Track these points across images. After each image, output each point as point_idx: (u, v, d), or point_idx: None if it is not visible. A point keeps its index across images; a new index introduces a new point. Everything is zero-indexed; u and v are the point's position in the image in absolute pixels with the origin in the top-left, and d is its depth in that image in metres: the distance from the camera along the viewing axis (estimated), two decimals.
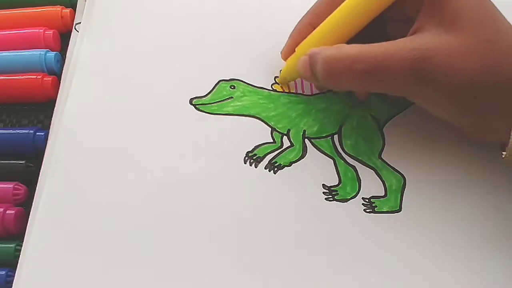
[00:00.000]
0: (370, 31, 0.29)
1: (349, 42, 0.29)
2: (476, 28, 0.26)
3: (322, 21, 0.30)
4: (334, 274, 0.28)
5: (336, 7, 0.30)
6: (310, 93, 0.33)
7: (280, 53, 0.33)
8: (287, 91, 0.33)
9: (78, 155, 0.31)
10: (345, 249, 0.28)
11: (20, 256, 0.29)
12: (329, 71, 0.28)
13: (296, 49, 0.32)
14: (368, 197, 0.30)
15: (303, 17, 0.32)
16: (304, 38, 0.31)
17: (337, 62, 0.28)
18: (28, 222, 0.30)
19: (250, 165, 0.31)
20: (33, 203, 0.31)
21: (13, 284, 0.28)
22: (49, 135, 0.33)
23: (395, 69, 0.26)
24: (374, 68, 0.27)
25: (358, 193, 0.30)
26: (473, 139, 0.30)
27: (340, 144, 0.31)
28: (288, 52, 0.32)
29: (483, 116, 0.27)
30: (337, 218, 0.29)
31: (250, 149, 0.31)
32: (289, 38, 0.33)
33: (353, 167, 0.31)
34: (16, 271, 0.29)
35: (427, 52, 0.26)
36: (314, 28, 0.31)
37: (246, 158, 0.31)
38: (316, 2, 0.32)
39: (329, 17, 0.30)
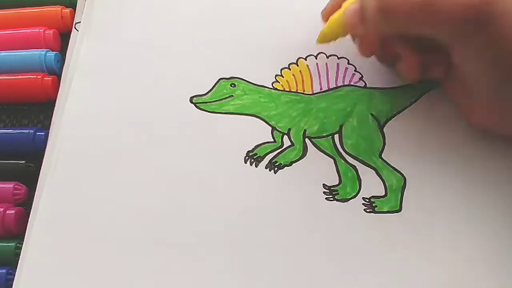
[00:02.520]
0: None
1: None
2: None
3: None
4: (334, 274, 0.28)
5: None
6: (311, 92, 0.33)
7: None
8: (293, 87, 0.33)
9: (79, 155, 0.32)
10: (345, 249, 0.28)
11: (21, 255, 0.29)
12: (383, 4, 0.27)
13: (343, 5, 0.30)
14: (368, 197, 0.30)
15: None
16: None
17: None
18: (28, 222, 0.30)
19: (251, 164, 0.31)
20: (33, 203, 0.31)
21: (14, 284, 0.28)
22: (49, 135, 0.33)
23: (455, 5, 0.25)
24: (432, 2, 0.25)
25: (358, 193, 0.30)
26: (483, 124, 0.29)
27: (340, 144, 0.31)
28: (331, 10, 0.31)
29: None
30: (337, 218, 0.29)
31: (250, 149, 0.31)
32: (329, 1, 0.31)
33: (354, 166, 0.31)
34: (16, 271, 0.29)
35: None
36: None
37: (247, 157, 0.31)
38: None
39: None
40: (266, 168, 0.31)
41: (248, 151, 0.31)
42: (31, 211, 0.30)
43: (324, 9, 0.32)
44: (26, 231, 0.30)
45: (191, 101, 0.33)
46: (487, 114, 0.28)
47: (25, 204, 0.32)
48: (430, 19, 0.26)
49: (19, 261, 0.29)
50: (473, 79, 0.27)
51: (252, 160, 0.31)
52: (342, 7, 0.30)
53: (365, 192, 0.30)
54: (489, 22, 0.24)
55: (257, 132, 0.32)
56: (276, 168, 0.31)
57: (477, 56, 0.26)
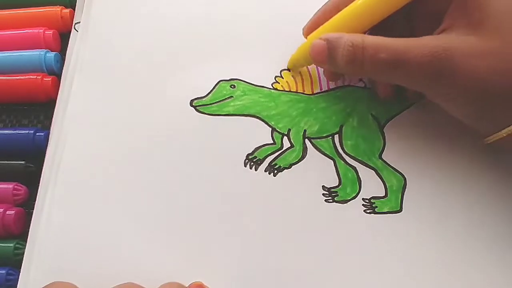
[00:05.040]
0: (397, 28, 0.29)
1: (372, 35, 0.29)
2: (503, 32, 0.26)
3: (347, 5, 0.30)
4: (334, 275, 0.28)
5: None
6: (311, 93, 0.33)
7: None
8: (292, 88, 0.33)
9: (80, 157, 0.31)
10: (346, 250, 0.28)
11: (25, 257, 0.29)
12: (352, 57, 0.28)
13: (308, 37, 0.32)
14: (368, 198, 0.30)
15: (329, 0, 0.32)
16: (327, 20, 0.31)
17: (362, 49, 0.28)
18: (32, 223, 0.30)
19: (250, 168, 0.31)
20: (35, 204, 0.31)
21: (19, 284, 0.28)
22: (50, 136, 0.33)
23: (415, 63, 0.27)
24: (395, 59, 0.27)
25: (358, 193, 0.30)
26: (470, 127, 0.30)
27: (340, 145, 0.31)
28: (310, 29, 0.32)
29: (494, 114, 0.27)
30: (338, 219, 0.29)
31: (250, 151, 0.31)
32: (313, 16, 0.33)
33: (353, 167, 0.31)
34: (21, 272, 0.29)
35: (448, 51, 0.26)
36: (338, 11, 0.30)
37: (246, 160, 0.31)
38: None
39: (352, 4, 0.30)
40: (265, 171, 0.31)
41: (247, 154, 0.31)
42: (34, 212, 0.30)
43: (305, 26, 0.33)
44: (29, 232, 0.30)
45: (191, 104, 0.33)
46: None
47: (25, 205, 0.32)
48: (394, 75, 0.28)
49: (23, 263, 0.29)
50: (450, 113, 0.29)
51: (252, 163, 0.31)
52: (308, 39, 0.32)
53: (365, 192, 0.30)
54: (447, 75, 0.26)
55: (257, 133, 0.32)
56: (275, 171, 0.31)
57: (443, 100, 0.28)
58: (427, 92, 0.28)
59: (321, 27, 0.31)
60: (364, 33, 0.30)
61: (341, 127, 0.32)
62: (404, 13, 0.30)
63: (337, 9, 0.31)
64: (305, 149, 0.31)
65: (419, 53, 0.26)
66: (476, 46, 0.26)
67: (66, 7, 0.38)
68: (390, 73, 0.28)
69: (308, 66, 0.34)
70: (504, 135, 0.27)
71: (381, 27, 0.29)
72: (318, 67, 0.34)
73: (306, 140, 0.31)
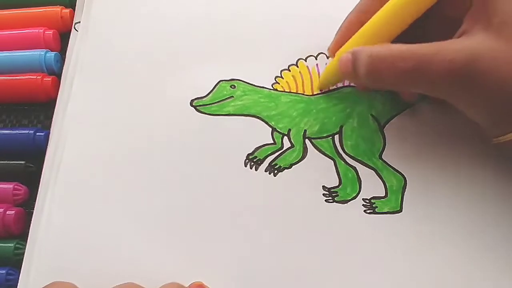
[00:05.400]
0: (412, 33, 0.29)
1: (393, 42, 0.29)
2: None
3: (370, 17, 0.30)
4: (335, 275, 0.28)
5: (384, 3, 0.29)
6: (311, 93, 0.33)
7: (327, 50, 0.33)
8: (293, 88, 0.33)
9: (81, 157, 0.31)
10: (346, 250, 0.28)
11: (25, 257, 0.29)
12: (372, 68, 0.28)
13: (336, 54, 0.32)
14: (368, 198, 0.30)
15: (350, 13, 0.32)
16: (351, 36, 0.31)
17: (381, 59, 0.27)
18: (32, 223, 0.30)
19: (251, 168, 0.31)
20: (35, 204, 0.31)
21: (19, 284, 0.28)
22: (50, 136, 0.33)
23: (440, 69, 0.26)
24: (418, 68, 0.26)
25: (358, 193, 0.30)
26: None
27: (340, 145, 0.31)
28: (335, 48, 0.32)
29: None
30: (338, 219, 0.29)
31: (250, 151, 0.31)
32: (336, 34, 0.32)
33: (354, 167, 0.31)
34: (21, 272, 0.29)
35: (475, 55, 0.25)
36: (362, 25, 0.30)
37: (247, 160, 0.31)
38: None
39: (374, 16, 0.29)
40: (266, 171, 0.30)
41: (248, 154, 0.31)
42: (34, 213, 0.30)
43: (330, 45, 0.33)
44: (30, 232, 0.30)
45: (191, 104, 0.33)
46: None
47: (25, 205, 0.32)
48: (417, 84, 0.28)
49: (23, 263, 0.29)
50: (471, 118, 0.28)
51: (252, 163, 0.31)
52: (336, 56, 0.31)
53: (365, 193, 0.30)
54: (475, 81, 0.25)
55: (257, 133, 0.32)
56: (276, 171, 0.31)
57: (467, 106, 0.28)
58: (450, 99, 0.28)
59: (347, 42, 0.31)
60: (392, 42, 0.29)
61: (341, 127, 0.32)
62: (421, 18, 0.29)
63: (360, 22, 0.30)
64: (305, 149, 0.31)
65: (440, 59, 0.26)
66: (500, 50, 0.25)
67: (66, 7, 0.38)
68: (411, 82, 0.28)
69: (308, 66, 0.34)
70: None
71: (399, 36, 0.29)
72: (319, 68, 0.34)
73: (306, 140, 0.31)
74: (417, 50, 0.27)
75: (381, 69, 0.27)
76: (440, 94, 0.28)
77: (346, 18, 0.32)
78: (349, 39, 0.31)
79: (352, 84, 0.33)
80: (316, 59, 0.34)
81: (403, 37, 0.29)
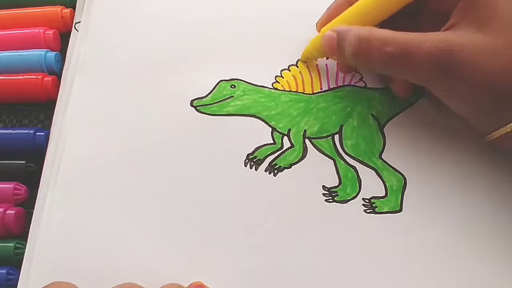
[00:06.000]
0: (403, 24, 0.29)
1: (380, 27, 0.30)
2: (508, 32, 0.26)
3: None
4: (335, 275, 0.28)
5: None
6: (311, 92, 0.33)
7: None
8: (293, 87, 0.33)
9: (81, 157, 0.31)
10: (346, 250, 0.28)
11: (25, 257, 0.29)
12: (359, 49, 0.29)
13: (321, 30, 0.32)
14: (368, 198, 0.30)
15: None
16: (339, 14, 0.31)
17: (368, 42, 0.28)
18: (32, 223, 0.30)
19: (251, 168, 0.31)
20: (36, 204, 0.31)
21: (19, 284, 0.28)
22: (50, 136, 0.33)
23: (421, 57, 0.27)
24: (401, 53, 0.27)
25: (358, 193, 0.30)
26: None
27: (340, 145, 0.31)
28: (323, 23, 0.33)
29: (497, 111, 0.27)
30: (338, 219, 0.29)
31: (250, 151, 0.31)
32: (326, 11, 0.33)
33: (354, 167, 0.31)
34: (21, 272, 0.29)
35: (454, 47, 0.26)
36: (350, 5, 0.31)
37: (247, 160, 0.31)
38: None
39: None
40: (266, 171, 0.31)
41: (248, 154, 0.31)
42: (35, 212, 0.30)
43: (318, 20, 0.33)
44: (30, 232, 0.30)
45: (191, 104, 0.33)
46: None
47: (25, 204, 0.32)
48: (399, 69, 0.28)
49: (23, 263, 0.29)
50: (454, 110, 0.29)
51: (252, 163, 0.31)
52: (321, 32, 0.32)
53: (365, 192, 0.30)
54: (452, 71, 0.26)
55: (257, 133, 0.32)
56: (275, 171, 0.31)
57: (448, 96, 0.28)
58: (432, 87, 0.29)
59: (333, 21, 0.31)
60: (376, 27, 0.30)
61: (341, 127, 0.32)
62: (410, 11, 0.30)
63: (349, 3, 0.31)
64: (305, 149, 0.31)
65: (426, 47, 0.27)
66: (483, 43, 0.26)
67: (66, 7, 0.38)
68: (396, 67, 0.28)
69: (308, 66, 0.34)
70: (509, 129, 0.27)
71: (387, 25, 0.29)
72: (319, 68, 0.34)
73: (306, 140, 0.31)
74: (402, 36, 0.28)
75: (368, 51, 0.28)
76: (422, 81, 0.29)
77: None
78: (336, 17, 0.31)
79: (346, 83, 0.33)
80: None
81: (394, 25, 0.29)
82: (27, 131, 0.33)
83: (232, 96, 0.33)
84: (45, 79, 0.35)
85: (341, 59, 0.31)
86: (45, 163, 0.32)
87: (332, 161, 0.31)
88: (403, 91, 0.32)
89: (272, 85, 0.33)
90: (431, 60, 0.27)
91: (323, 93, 0.33)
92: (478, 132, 0.29)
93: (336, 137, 0.32)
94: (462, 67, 0.26)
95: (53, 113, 0.34)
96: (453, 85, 0.27)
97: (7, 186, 0.32)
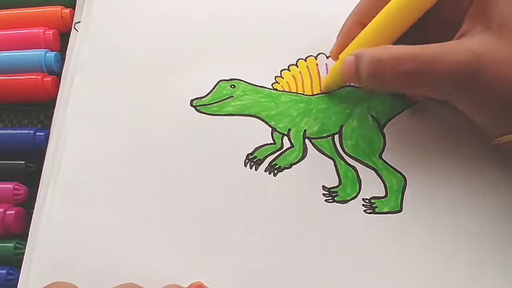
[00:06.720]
0: (411, 36, 0.29)
1: (394, 44, 0.29)
2: None
3: (371, 19, 0.29)
4: (335, 275, 0.28)
5: (384, 4, 0.29)
6: (311, 93, 0.33)
7: (329, 53, 0.33)
8: (293, 88, 0.33)
9: (80, 156, 0.31)
10: (346, 250, 0.28)
11: (25, 257, 0.29)
12: (374, 70, 0.27)
13: (339, 56, 0.31)
14: (368, 198, 0.30)
15: (350, 15, 0.31)
16: (353, 38, 0.30)
17: (382, 62, 0.27)
18: (32, 223, 0.30)
19: (251, 168, 0.31)
20: (35, 204, 0.31)
21: (19, 284, 0.28)
22: (50, 136, 0.33)
23: (444, 71, 0.26)
24: (419, 69, 0.26)
25: (358, 193, 0.30)
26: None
27: (340, 145, 0.31)
28: (338, 51, 0.32)
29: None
30: (338, 219, 0.29)
31: (250, 151, 0.31)
32: (338, 37, 0.32)
33: (354, 167, 0.31)
34: (21, 272, 0.29)
35: (478, 56, 0.25)
36: (363, 27, 0.30)
37: (247, 160, 0.31)
38: (361, 0, 0.31)
39: (376, 18, 0.29)
40: (266, 171, 0.30)
41: (248, 154, 0.31)
42: (35, 213, 0.30)
43: (332, 49, 0.33)
44: (30, 233, 0.30)
45: (191, 104, 0.33)
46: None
47: (25, 204, 0.32)
48: (419, 85, 0.27)
49: (23, 263, 0.29)
50: (471, 118, 0.28)
51: (252, 163, 0.31)
52: (340, 58, 0.31)
53: (365, 192, 0.30)
54: (478, 81, 0.26)
55: (257, 133, 0.32)
56: (275, 171, 0.31)
57: (468, 106, 0.28)
58: (452, 98, 0.28)
59: (350, 45, 0.31)
60: (393, 43, 0.29)
61: (341, 127, 0.32)
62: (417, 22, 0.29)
63: (361, 24, 0.30)
64: (305, 149, 0.31)
65: (448, 59, 0.26)
66: (500, 49, 0.26)
67: (66, 6, 0.38)
68: (414, 84, 0.27)
69: (308, 66, 0.34)
70: None
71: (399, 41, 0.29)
72: (319, 68, 0.34)
73: (306, 140, 0.31)
74: (418, 51, 0.26)
75: (382, 71, 0.27)
76: (442, 95, 0.28)
77: (347, 20, 0.32)
78: (350, 41, 0.31)
79: (353, 84, 0.33)
80: (316, 59, 0.34)
81: (403, 40, 0.29)
82: (27, 131, 0.33)
83: (232, 96, 0.33)
84: (45, 79, 0.35)
85: (360, 83, 0.30)
86: (45, 163, 0.32)
87: (332, 161, 0.31)
88: (419, 96, 0.31)
89: (272, 85, 0.33)
90: (450, 73, 0.26)
91: (323, 94, 0.33)
92: (486, 134, 0.29)
93: (336, 137, 0.32)
94: (483, 75, 0.25)
95: (53, 113, 0.34)
96: (476, 96, 0.26)
97: (7, 186, 0.32)
